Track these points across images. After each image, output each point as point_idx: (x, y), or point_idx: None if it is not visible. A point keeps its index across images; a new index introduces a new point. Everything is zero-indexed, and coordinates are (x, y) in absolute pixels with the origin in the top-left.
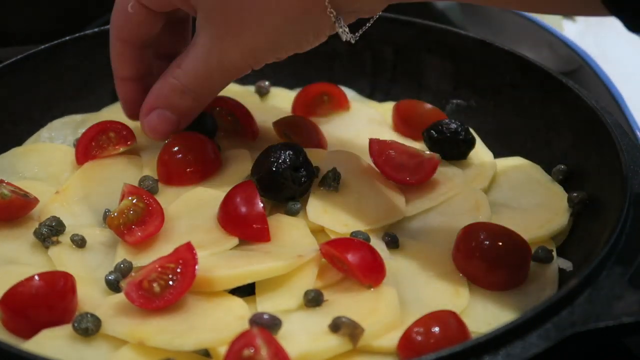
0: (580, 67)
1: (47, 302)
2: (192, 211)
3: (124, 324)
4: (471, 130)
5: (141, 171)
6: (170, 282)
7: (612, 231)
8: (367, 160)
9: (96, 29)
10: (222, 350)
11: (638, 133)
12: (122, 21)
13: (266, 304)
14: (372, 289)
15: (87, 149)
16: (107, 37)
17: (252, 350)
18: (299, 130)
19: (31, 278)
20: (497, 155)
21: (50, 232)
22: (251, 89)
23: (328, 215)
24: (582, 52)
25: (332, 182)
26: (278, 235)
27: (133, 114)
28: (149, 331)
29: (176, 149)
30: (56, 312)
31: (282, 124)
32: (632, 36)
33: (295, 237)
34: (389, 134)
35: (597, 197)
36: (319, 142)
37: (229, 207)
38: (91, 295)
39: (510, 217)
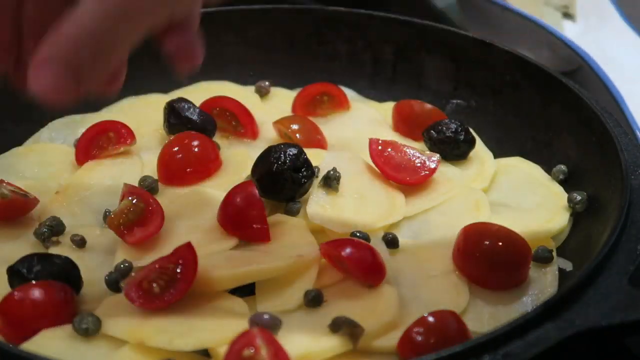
0: (580, 67)
1: (45, 312)
2: (192, 211)
3: (124, 324)
4: (471, 130)
5: (141, 171)
6: (170, 282)
7: (612, 231)
8: (367, 160)
9: None
10: (222, 350)
11: (638, 133)
12: None
13: (266, 304)
14: (372, 289)
15: (87, 149)
16: None
17: (252, 350)
18: (299, 130)
19: (29, 286)
20: (497, 155)
21: (50, 232)
22: (251, 89)
23: (328, 215)
24: (582, 52)
25: (332, 182)
26: (278, 235)
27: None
28: (149, 331)
29: (176, 149)
30: (54, 322)
31: (282, 124)
32: (632, 36)
33: (295, 237)
34: (389, 134)
35: (597, 197)
36: (319, 142)
37: (229, 207)
38: (91, 295)
39: (510, 217)
